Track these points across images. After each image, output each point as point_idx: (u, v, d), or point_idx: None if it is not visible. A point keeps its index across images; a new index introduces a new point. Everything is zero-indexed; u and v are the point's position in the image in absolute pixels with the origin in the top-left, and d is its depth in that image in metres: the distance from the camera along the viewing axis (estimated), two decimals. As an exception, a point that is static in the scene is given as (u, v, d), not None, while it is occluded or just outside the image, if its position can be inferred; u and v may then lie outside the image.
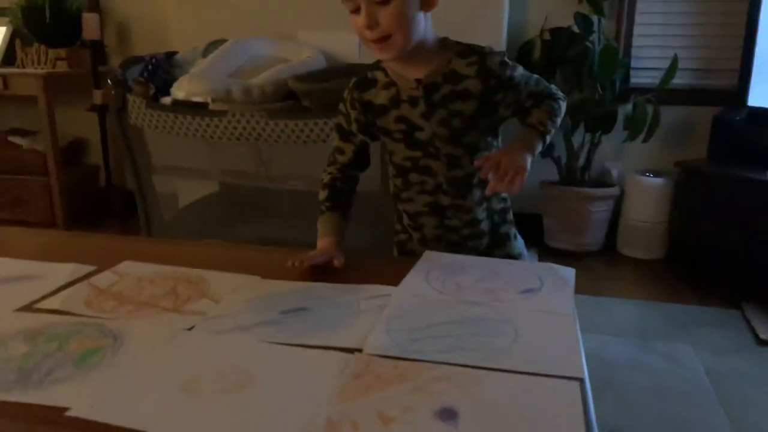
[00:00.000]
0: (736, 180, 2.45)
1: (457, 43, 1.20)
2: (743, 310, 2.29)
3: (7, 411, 0.70)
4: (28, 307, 0.96)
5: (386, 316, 0.91)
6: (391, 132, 1.23)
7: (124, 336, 0.86)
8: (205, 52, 2.54)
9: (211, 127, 2.05)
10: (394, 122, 1.21)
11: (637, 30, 2.93)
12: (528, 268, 1.15)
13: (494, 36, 2.65)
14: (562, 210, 2.93)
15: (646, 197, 2.86)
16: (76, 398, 0.71)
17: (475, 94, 1.16)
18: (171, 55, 2.62)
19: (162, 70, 2.48)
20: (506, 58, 1.18)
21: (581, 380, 0.75)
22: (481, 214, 1.29)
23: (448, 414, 0.67)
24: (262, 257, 1.19)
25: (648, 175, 2.88)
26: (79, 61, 3.10)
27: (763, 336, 2.08)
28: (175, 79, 2.35)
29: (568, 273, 1.11)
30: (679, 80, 2.83)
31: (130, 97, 2.17)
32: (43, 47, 3.05)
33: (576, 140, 2.91)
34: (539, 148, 1.19)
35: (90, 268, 1.12)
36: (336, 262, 1.12)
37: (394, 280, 1.05)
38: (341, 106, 1.28)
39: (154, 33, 3.25)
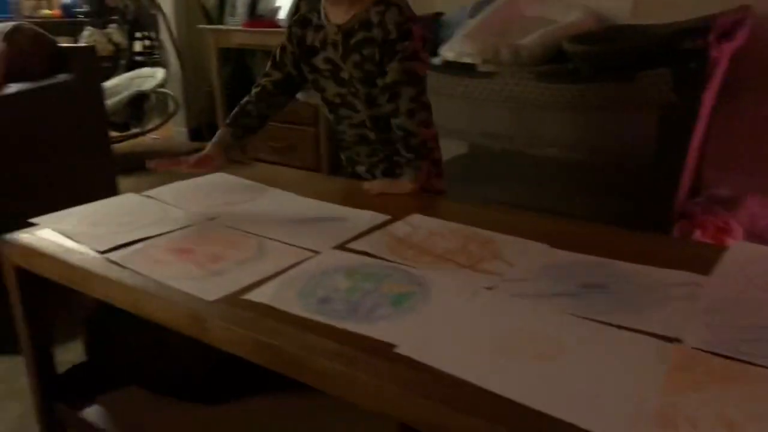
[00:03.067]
0: None
1: None
2: None
3: (340, 337, 0.79)
4: (342, 246, 1.06)
5: (703, 309, 0.83)
6: (321, 70, 1.39)
7: (430, 285, 0.91)
8: (473, 13, 2.55)
9: (478, 89, 2.07)
10: (323, 62, 1.38)
11: None
12: None
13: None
14: None
15: None
16: (400, 337, 0.77)
17: (377, 41, 1.29)
18: (437, 16, 2.68)
19: (428, 31, 2.55)
20: (408, 24, 1.27)
21: None
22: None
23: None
24: (548, 225, 1.17)
25: None
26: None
27: None
28: (440, 41, 2.40)
29: None
30: None
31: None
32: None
33: None
34: (419, 175, 1.34)
35: (385, 217, 1.20)
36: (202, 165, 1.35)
37: (699, 266, 0.95)
38: (283, 38, 1.43)
39: (419, -6, 3.35)
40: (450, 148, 2.73)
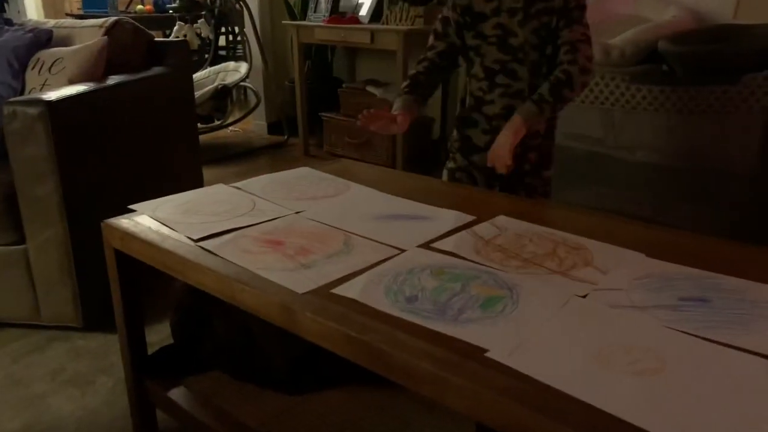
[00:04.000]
0: None
1: None
2: None
3: (429, 337, 0.78)
4: (427, 245, 1.06)
5: (821, 330, 0.77)
6: (487, 36, 1.44)
7: (519, 290, 0.89)
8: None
9: (565, 89, 2.00)
10: (491, 28, 1.44)
11: None
12: None
13: None
14: None
15: None
16: (491, 341, 0.75)
17: (555, 9, 1.39)
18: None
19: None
20: None
21: None
22: (543, 128, 1.49)
23: None
24: (644, 233, 1.12)
25: None
26: (434, 18, 3.31)
27: None
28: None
29: None
30: None
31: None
32: (405, 5, 3.34)
33: None
34: (536, 117, 1.38)
35: (470, 218, 1.19)
36: (395, 128, 1.41)
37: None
38: (444, 10, 1.49)
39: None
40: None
